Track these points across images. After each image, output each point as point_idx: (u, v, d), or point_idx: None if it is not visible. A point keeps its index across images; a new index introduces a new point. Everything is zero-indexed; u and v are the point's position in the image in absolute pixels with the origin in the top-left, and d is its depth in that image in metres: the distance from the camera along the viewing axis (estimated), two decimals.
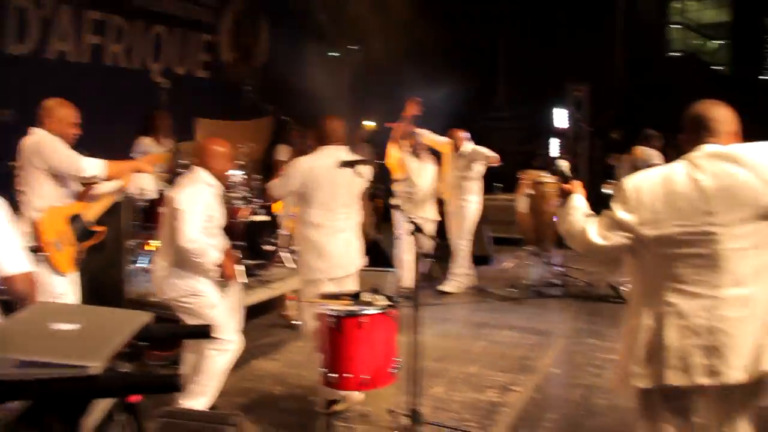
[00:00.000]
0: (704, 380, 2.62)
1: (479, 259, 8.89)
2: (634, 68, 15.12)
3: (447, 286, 8.18)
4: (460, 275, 8.22)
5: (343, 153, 4.67)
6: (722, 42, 27.51)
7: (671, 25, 26.20)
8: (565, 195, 3.11)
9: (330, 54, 12.43)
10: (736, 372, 2.59)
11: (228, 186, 5.94)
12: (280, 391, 5.19)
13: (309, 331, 4.64)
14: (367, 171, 4.66)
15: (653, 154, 7.47)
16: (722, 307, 2.59)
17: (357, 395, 4.47)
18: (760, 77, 25.23)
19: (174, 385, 1.79)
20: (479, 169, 8.15)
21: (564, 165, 3.32)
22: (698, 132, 2.72)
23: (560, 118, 11.54)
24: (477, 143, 8.29)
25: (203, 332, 2.42)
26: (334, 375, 3.88)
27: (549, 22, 13.08)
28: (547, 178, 8.25)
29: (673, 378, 2.64)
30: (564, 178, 3.19)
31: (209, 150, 4.40)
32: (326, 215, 4.67)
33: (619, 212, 2.72)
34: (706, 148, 2.67)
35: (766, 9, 24.78)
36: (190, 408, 4.08)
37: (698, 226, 2.59)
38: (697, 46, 27.85)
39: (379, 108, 12.20)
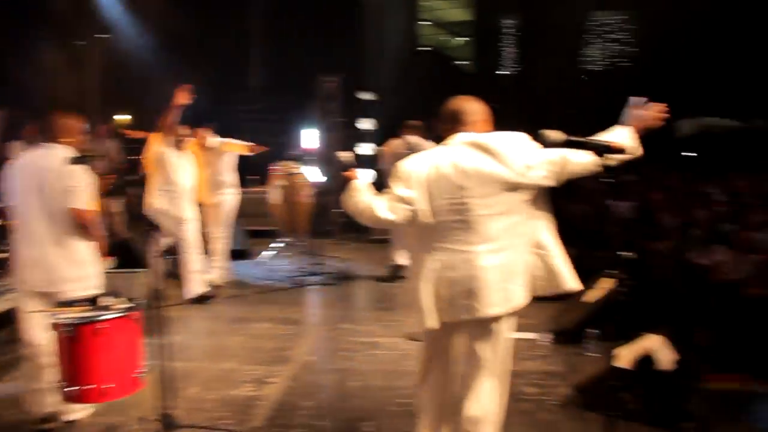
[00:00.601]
0: (466, 316, 3.27)
1: (236, 253, 8.79)
2: (385, 61, 15.72)
3: (207, 276, 7.98)
4: (219, 268, 8.08)
5: (65, 150, 4.22)
6: (466, 39, 29.79)
7: (421, 22, 27.88)
8: (346, 182, 3.53)
9: (74, 43, 11.59)
10: (489, 308, 3.24)
11: None
12: (14, 415, 4.69)
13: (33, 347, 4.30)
14: (94, 168, 4.33)
15: (425, 143, 7.76)
16: (476, 259, 3.21)
17: (81, 408, 4.22)
18: (498, 72, 27.67)
19: None
20: (229, 160, 8.04)
21: (345, 156, 3.69)
22: (454, 123, 3.35)
23: (312, 109, 11.72)
24: (230, 136, 8.17)
25: None
26: (73, 388, 3.62)
27: (301, 15, 13.20)
28: (297, 169, 8.35)
29: (446, 317, 3.29)
30: (345, 168, 3.56)
31: None
32: (29, 220, 4.22)
33: (400, 190, 3.29)
34: (461, 137, 3.31)
35: (504, 10, 27.20)
36: None
37: (457, 199, 3.22)
38: (444, 42, 29.91)
39: (132, 100, 11.60)
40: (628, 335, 4.67)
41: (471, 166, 3.21)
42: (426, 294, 3.30)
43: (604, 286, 5.35)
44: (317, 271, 8.53)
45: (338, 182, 3.55)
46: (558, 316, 6.03)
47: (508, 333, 3.47)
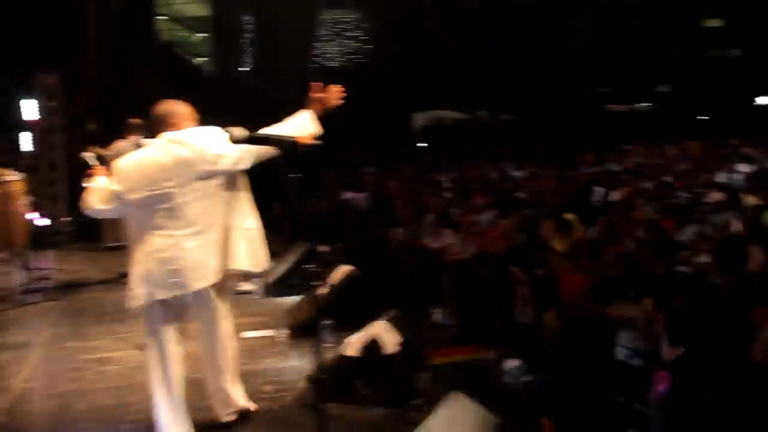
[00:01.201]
0: (178, 292, 3.69)
1: None
2: (116, 57, 14.90)
3: None
4: None
5: None
6: (205, 35, 29.14)
7: (158, 17, 26.73)
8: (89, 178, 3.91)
9: None
10: (196, 283, 3.70)
11: None
12: None
13: None
14: None
15: (148, 142, 7.38)
16: (183, 242, 3.65)
17: None
18: (236, 68, 27.44)
19: None
20: None
21: (88, 156, 4.12)
22: (162, 124, 3.80)
23: (29, 109, 10.67)
24: None
25: None
26: None
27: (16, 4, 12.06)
28: (12, 176, 7.56)
29: (159, 293, 3.67)
30: (89, 167, 3.92)
31: None
32: None
33: (112, 184, 3.70)
34: (166, 135, 3.76)
35: (241, 7, 26.95)
36: None
37: (161, 189, 3.63)
38: (183, 38, 29.02)
39: None
40: (362, 322, 4.78)
41: (171, 160, 3.66)
42: (139, 275, 3.69)
43: (338, 276, 5.43)
44: (40, 286, 7.79)
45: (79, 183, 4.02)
46: (293, 311, 6.04)
47: (218, 303, 3.94)
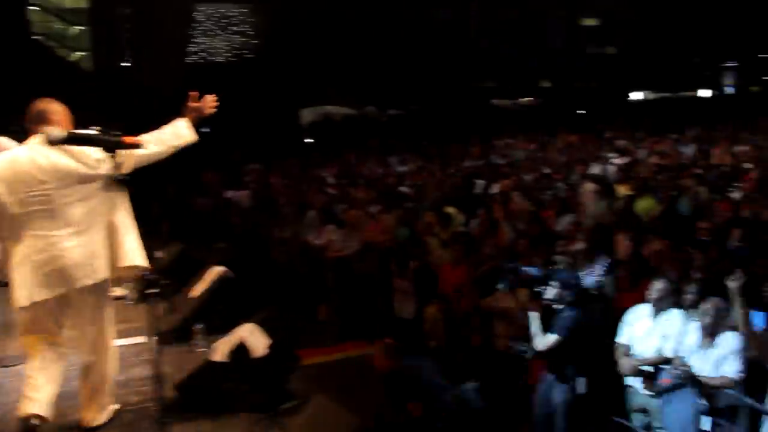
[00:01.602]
0: (60, 290, 3.66)
1: None
2: None
3: None
4: None
5: None
6: (81, 28, 27.70)
7: (30, 7, 25.16)
8: None
9: None
10: (78, 281, 3.68)
11: None
12: None
13: None
14: None
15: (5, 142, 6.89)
16: (61, 242, 3.63)
17: None
18: (115, 63, 26.27)
19: None
20: None
21: None
22: (38, 123, 3.67)
23: None
24: None
25: None
26: None
27: None
28: None
29: (39, 294, 3.63)
30: None
31: None
32: None
33: None
34: (42, 136, 3.60)
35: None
36: None
37: (38, 191, 3.58)
38: (58, 31, 27.48)
39: None
40: (236, 324, 4.60)
41: (48, 162, 3.58)
42: (20, 277, 3.63)
43: (210, 278, 5.22)
44: None
45: None
46: (164, 315, 5.76)
47: (101, 303, 3.90)
